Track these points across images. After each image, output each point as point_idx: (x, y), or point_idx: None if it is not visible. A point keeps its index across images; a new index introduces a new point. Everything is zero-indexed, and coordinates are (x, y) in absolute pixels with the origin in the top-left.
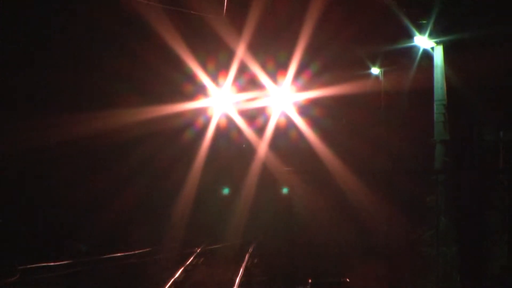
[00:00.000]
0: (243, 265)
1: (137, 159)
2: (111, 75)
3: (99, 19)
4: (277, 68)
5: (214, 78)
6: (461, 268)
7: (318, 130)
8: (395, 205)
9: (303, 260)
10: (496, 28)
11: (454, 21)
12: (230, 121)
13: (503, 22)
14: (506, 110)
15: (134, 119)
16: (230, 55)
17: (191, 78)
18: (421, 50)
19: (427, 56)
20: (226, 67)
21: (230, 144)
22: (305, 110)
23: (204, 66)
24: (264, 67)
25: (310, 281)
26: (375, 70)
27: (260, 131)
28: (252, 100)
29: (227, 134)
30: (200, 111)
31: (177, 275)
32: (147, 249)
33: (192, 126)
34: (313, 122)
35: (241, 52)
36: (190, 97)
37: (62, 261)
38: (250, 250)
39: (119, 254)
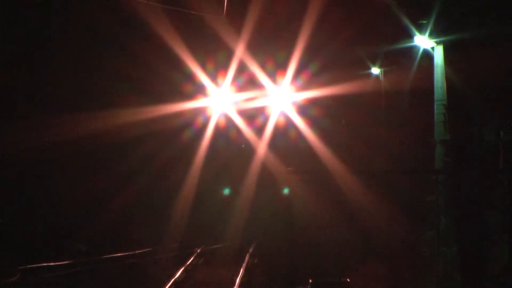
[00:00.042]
0: (244, 265)
1: (137, 159)
2: (111, 75)
3: (99, 19)
4: (276, 68)
5: (214, 78)
6: (461, 268)
7: (318, 130)
8: (395, 205)
9: (303, 260)
10: (496, 28)
11: (454, 21)
12: (230, 121)
13: (503, 22)
14: (506, 110)
15: (134, 119)
16: (230, 55)
17: (190, 78)
18: (421, 50)
19: (427, 56)
20: (225, 67)
21: (230, 144)
22: (305, 110)
23: (203, 66)
24: (263, 67)
25: (310, 281)
26: (375, 70)
27: (259, 131)
28: (251, 100)
29: (227, 134)
30: (200, 111)
31: (177, 275)
32: (147, 249)
33: (191, 126)
34: (313, 122)
35: (240, 51)
36: (190, 97)
37: (62, 261)
38: (251, 250)
39: (119, 254)
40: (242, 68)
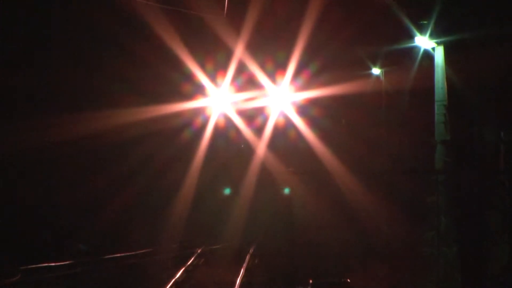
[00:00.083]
0: (244, 265)
1: (136, 159)
2: (111, 75)
3: (99, 19)
4: (276, 68)
5: (213, 78)
6: (462, 268)
7: (319, 130)
8: (395, 205)
9: (303, 260)
10: (496, 28)
11: (455, 21)
12: (229, 121)
13: (503, 22)
14: (506, 110)
15: (134, 119)
16: (229, 55)
17: (190, 78)
18: (422, 51)
19: (428, 57)
20: (225, 67)
21: (229, 144)
22: (304, 110)
23: (202, 66)
24: (263, 67)
25: (310, 281)
26: (376, 71)
27: (258, 131)
28: (251, 100)
29: (226, 134)
30: (199, 111)
31: (178, 275)
32: (148, 250)
33: (191, 126)
34: (314, 122)
35: (239, 52)
36: (189, 97)
37: (62, 261)
38: (251, 251)
39: (119, 255)
40: (241, 68)
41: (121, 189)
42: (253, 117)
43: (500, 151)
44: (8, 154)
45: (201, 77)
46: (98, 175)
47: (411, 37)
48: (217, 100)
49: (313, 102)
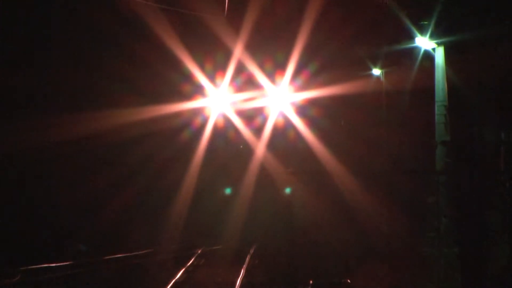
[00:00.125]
0: (244, 266)
1: (136, 159)
2: (111, 75)
3: (99, 20)
4: (275, 68)
5: (212, 78)
6: (462, 268)
7: (318, 130)
8: (395, 206)
9: (303, 260)
10: (496, 28)
11: (455, 22)
12: (228, 121)
13: (503, 23)
14: (506, 111)
15: (133, 119)
16: (228, 55)
17: (189, 78)
18: (422, 51)
19: (428, 57)
20: (224, 67)
21: (229, 145)
22: (304, 110)
23: (202, 66)
24: (262, 67)
25: (311, 282)
26: (376, 71)
27: (258, 131)
28: (250, 100)
29: (225, 134)
30: (199, 111)
31: (178, 275)
32: (148, 250)
33: (191, 126)
34: (313, 123)
35: (239, 52)
36: (189, 97)
37: (62, 261)
38: (251, 251)
39: (120, 255)
40: (240, 68)
41: (121, 189)
42: (253, 117)
43: (500, 151)
44: (8, 154)
45: (201, 77)
46: (98, 175)
47: (411, 38)
48: (217, 100)
49: (312, 102)
